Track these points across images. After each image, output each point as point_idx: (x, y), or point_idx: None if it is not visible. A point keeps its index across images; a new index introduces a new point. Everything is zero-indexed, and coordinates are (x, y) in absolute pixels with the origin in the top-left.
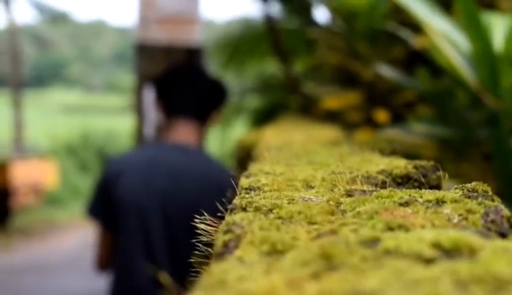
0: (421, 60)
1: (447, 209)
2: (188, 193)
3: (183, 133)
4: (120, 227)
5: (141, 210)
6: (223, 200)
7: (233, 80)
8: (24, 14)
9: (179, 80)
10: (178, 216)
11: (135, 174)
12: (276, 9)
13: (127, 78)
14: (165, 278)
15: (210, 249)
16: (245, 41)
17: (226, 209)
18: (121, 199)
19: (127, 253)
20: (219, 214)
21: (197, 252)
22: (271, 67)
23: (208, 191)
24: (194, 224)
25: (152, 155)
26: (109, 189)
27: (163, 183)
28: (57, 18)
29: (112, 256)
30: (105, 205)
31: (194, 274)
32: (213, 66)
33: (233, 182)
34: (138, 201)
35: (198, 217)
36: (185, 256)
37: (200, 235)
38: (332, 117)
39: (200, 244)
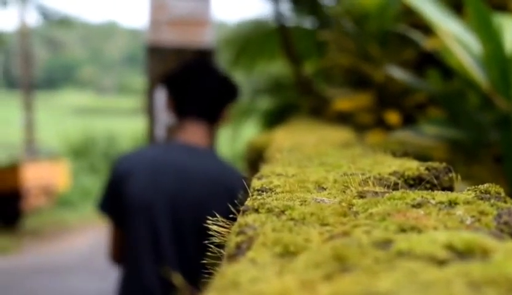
0: (432, 62)
1: (459, 211)
2: (197, 194)
3: (193, 133)
4: (129, 225)
5: (149, 209)
6: (233, 201)
7: (244, 81)
8: (36, 16)
9: (190, 79)
10: (187, 216)
11: (144, 173)
12: (286, 10)
13: (139, 80)
14: (177, 279)
15: (222, 251)
16: (255, 41)
17: (237, 211)
18: (130, 198)
19: (135, 252)
20: (230, 216)
21: (207, 253)
22: (282, 68)
23: (217, 192)
24: (203, 224)
25: (161, 154)
26: (119, 187)
27: (172, 183)
28: (63, 22)
29: (122, 252)
30: (115, 202)
31: (203, 275)
32: (223, 66)
33: (244, 184)
34: (146, 201)
35: (207, 217)
36: (193, 256)
37: (211, 236)
38: (343, 119)
39: (212, 246)
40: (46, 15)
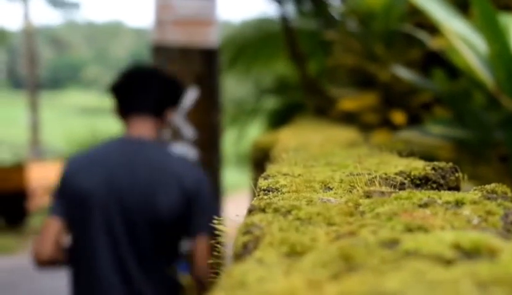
0: (437, 62)
1: (466, 211)
2: (145, 183)
3: (139, 128)
4: (84, 222)
5: (104, 204)
6: (182, 188)
7: (248, 81)
8: (41, 15)
9: (134, 81)
10: (138, 205)
11: (93, 170)
12: (291, 10)
13: None
14: (185, 279)
15: (225, 250)
16: (259, 41)
17: (187, 199)
18: (81, 195)
19: (89, 248)
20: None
21: (162, 242)
22: (287, 68)
23: (164, 180)
24: (155, 214)
25: (109, 150)
26: (69, 186)
27: (121, 175)
28: (70, 10)
29: (65, 253)
30: (66, 203)
31: (158, 266)
32: (227, 66)
33: (193, 173)
34: (98, 196)
35: (158, 206)
36: (148, 247)
37: (163, 225)
38: (349, 119)
39: (218, 245)
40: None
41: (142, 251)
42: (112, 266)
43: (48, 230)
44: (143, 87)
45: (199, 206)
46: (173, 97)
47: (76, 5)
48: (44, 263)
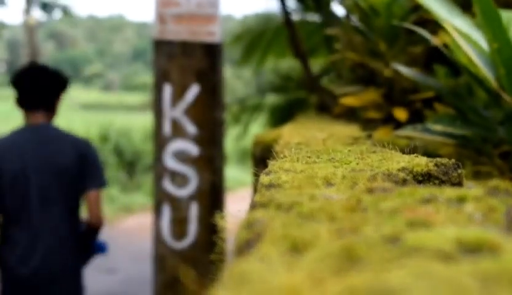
0: (439, 59)
1: (468, 207)
2: (49, 154)
3: (37, 118)
4: (3, 197)
5: (18, 180)
6: (80, 154)
7: (251, 77)
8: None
9: (27, 80)
10: (48, 176)
11: (9, 153)
12: (293, 5)
13: (146, 75)
14: (186, 275)
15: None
16: (262, 37)
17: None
18: (3, 174)
19: (9, 221)
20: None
21: (71, 213)
22: (289, 63)
23: (63, 148)
24: (63, 181)
25: (19, 135)
26: None
27: (30, 152)
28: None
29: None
30: None
31: (67, 236)
32: (230, 61)
33: (92, 148)
34: (15, 174)
35: (64, 173)
36: (55, 205)
37: (72, 191)
38: (351, 115)
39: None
40: (45, 6)
41: (53, 222)
42: (28, 224)
43: None
44: (36, 88)
45: (88, 165)
46: (61, 88)
47: (68, 11)
48: None
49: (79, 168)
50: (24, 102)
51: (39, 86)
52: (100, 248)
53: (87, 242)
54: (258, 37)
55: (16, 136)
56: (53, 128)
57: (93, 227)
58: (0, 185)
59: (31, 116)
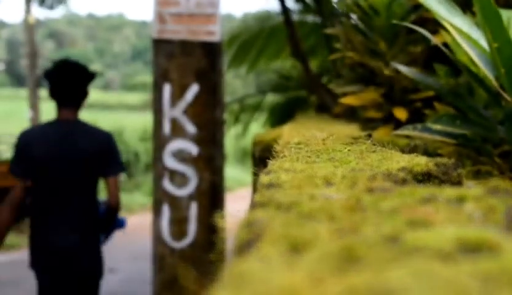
0: (440, 58)
1: (468, 207)
2: (82, 150)
3: (66, 113)
4: (37, 181)
5: (50, 167)
6: (108, 147)
7: (251, 76)
8: (42, 8)
9: (59, 78)
10: (77, 165)
11: (41, 142)
12: (293, 5)
13: (146, 74)
14: (186, 274)
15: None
16: (261, 36)
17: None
18: (35, 160)
19: (40, 202)
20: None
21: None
22: (289, 63)
23: (86, 140)
24: (91, 168)
25: (51, 127)
26: (25, 153)
27: (62, 145)
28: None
29: (21, 207)
30: (23, 164)
31: (91, 212)
32: (228, 60)
33: (112, 140)
34: (46, 161)
35: (92, 162)
36: (78, 189)
37: (93, 176)
38: (351, 115)
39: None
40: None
41: (76, 188)
42: (62, 205)
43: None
44: (68, 86)
45: (108, 154)
46: (89, 81)
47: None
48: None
49: (100, 157)
50: (56, 96)
51: (70, 83)
52: (120, 224)
53: (108, 220)
54: (254, 37)
55: (47, 127)
56: (80, 122)
57: (113, 208)
58: (31, 171)
59: (62, 110)
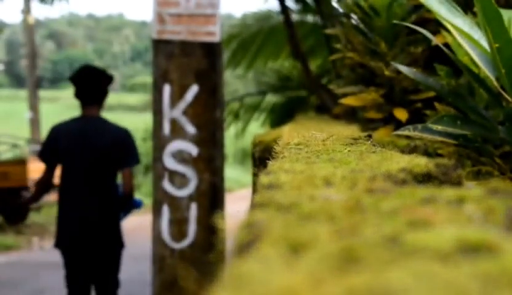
0: (440, 58)
1: (468, 207)
2: (103, 143)
3: (92, 111)
4: (64, 168)
5: (74, 156)
6: (128, 145)
7: (250, 77)
8: (41, 8)
9: (83, 80)
10: (98, 157)
11: (69, 135)
12: (292, 5)
13: (146, 75)
14: (186, 275)
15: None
16: (260, 36)
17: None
18: (62, 150)
19: (67, 187)
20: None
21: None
22: (289, 64)
23: (106, 136)
24: (110, 163)
25: (76, 123)
26: (54, 144)
27: (86, 138)
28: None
29: (47, 188)
30: (51, 153)
31: (109, 200)
32: (227, 60)
33: (129, 134)
34: (71, 151)
35: (112, 156)
36: (97, 178)
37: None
38: (351, 115)
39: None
40: None
41: (96, 174)
42: (83, 188)
43: (45, 177)
44: (92, 88)
45: (125, 148)
46: (108, 84)
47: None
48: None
49: (116, 150)
50: (80, 97)
51: (91, 85)
52: (137, 204)
53: (123, 202)
54: (252, 36)
55: (73, 123)
56: (101, 119)
57: (126, 194)
58: (57, 159)
59: (86, 109)
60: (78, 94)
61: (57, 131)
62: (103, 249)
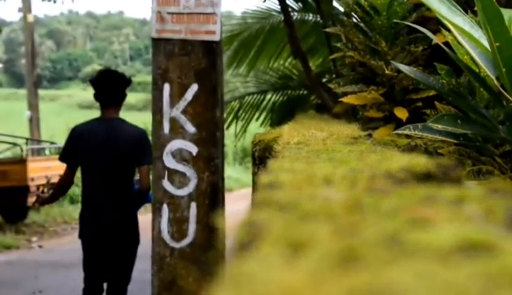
0: (440, 57)
1: (468, 207)
2: (122, 143)
3: (111, 113)
4: (84, 169)
5: (95, 157)
6: (144, 145)
7: (250, 76)
8: (41, 7)
9: (102, 83)
10: (118, 158)
11: (90, 136)
12: (293, 4)
13: (145, 73)
14: (186, 274)
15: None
16: (260, 35)
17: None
18: (83, 151)
19: (88, 185)
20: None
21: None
22: (289, 62)
23: (124, 136)
24: (128, 163)
25: (94, 124)
26: (75, 145)
27: (106, 139)
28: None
29: (67, 188)
30: (71, 154)
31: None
32: (228, 59)
33: (146, 136)
34: (92, 152)
35: (130, 157)
36: (115, 176)
37: (129, 170)
38: (351, 114)
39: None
40: None
41: (116, 173)
42: (104, 186)
43: (66, 178)
44: (111, 91)
45: (141, 148)
46: (126, 86)
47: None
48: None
49: (134, 149)
50: (100, 99)
51: (110, 88)
52: (150, 199)
53: (139, 198)
54: (253, 35)
55: (93, 124)
56: (119, 120)
57: (143, 190)
58: (77, 160)
59: (105, 110)
60: (98, 97)
61: (78, 132)
62: (121, 245)
